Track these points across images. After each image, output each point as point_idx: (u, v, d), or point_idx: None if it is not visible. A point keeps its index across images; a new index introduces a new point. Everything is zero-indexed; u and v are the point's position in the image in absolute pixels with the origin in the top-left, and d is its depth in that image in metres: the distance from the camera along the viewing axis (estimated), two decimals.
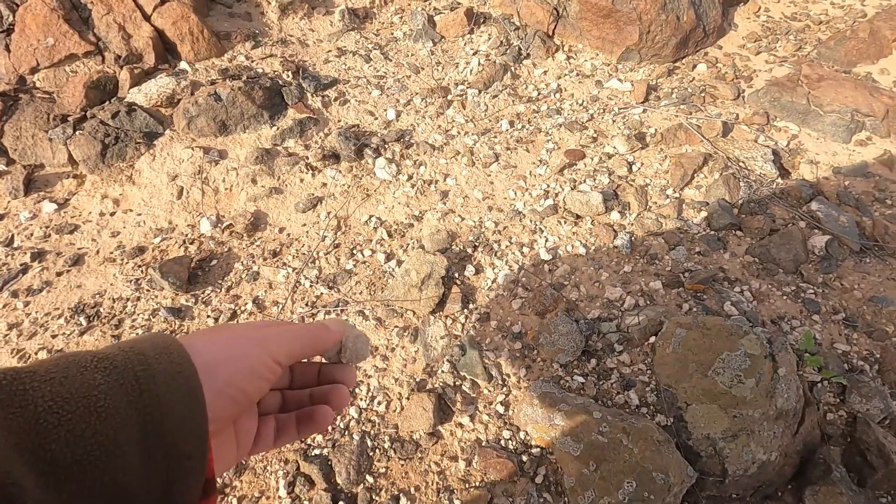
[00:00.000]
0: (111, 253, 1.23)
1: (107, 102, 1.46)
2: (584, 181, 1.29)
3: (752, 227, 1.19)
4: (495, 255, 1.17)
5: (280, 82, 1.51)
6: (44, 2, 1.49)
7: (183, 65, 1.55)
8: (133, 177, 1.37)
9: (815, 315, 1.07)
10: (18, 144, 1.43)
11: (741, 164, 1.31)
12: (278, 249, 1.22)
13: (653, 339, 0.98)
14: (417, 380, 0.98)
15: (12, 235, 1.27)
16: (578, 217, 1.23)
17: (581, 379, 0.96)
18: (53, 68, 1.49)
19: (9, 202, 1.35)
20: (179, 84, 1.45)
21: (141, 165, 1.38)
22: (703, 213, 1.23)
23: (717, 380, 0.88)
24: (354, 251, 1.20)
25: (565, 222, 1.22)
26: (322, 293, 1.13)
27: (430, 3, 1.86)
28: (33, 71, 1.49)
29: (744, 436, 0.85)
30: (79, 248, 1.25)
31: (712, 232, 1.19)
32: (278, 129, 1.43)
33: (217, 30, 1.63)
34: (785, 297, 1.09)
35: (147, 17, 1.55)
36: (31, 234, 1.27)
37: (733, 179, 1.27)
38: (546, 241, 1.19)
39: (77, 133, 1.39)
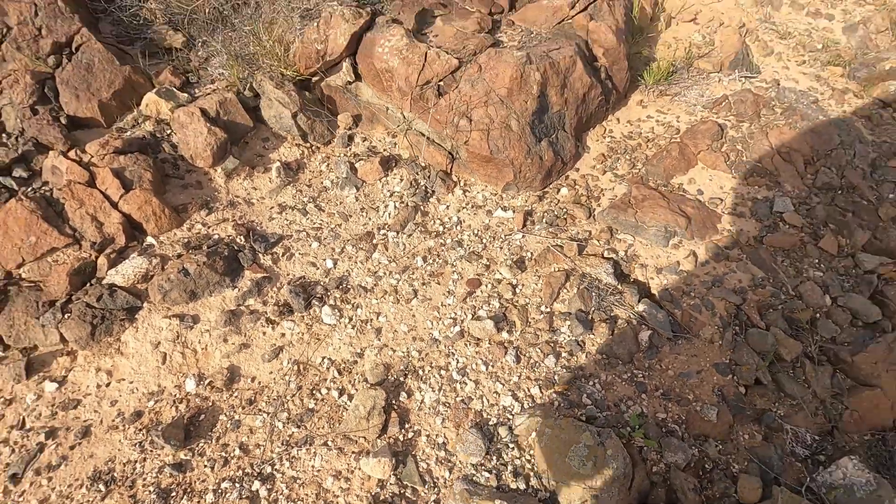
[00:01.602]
0: (113, 421, 1.52)
1: (89, 285, 1.75)
2: (482, 307, 1.73)
3: (599, 331, 1.67)
4: (421, 379, 1.58)
5: (235, 247, 1.86)
6: (23, 205, 1.77)
7: (149, 239, 1.87)
8: (121, 348, 1.67)
9: (643, 394, 1.54)
10: (12, 332, 1.69)
11: (592, 278, 1.80)
12: (253, 398, 1.56)
13: (533, 434, 1.41)
14: (373, 493, 1.35)
15: (23, 418, 1.53)
16: (479, 339, 1.66)
17: (487, 474, 1.37)
18: (37, 262, 1.76)
19: (13, 387, 1.60)
20: (151, 262, 1.77)
21: (126, 338, 1.68)
22: (568, 323, 1.69)
23: (572, 464, 1.32)
24: (314, 391, 1.57)
25: (470, 345, 1.65)
26: (293, 432, 1.48)
27: (350, 150, 2.28)
28: (19, 266, 1.76)
29: (593, 500, 1.29)
30: (84, 421, 1.53)
31: (574, 338, 1.66)
32: (239, 290, 1.77)
33: (174, 203, 1.97)
34: (623, 383, 1.56)
35: (115, 205, 1.86)
36: (40, 415, 1.54)
37: (587, 292, 1.75)
38: (457, 362, 1.61)
39: (66, 317, 1.67)
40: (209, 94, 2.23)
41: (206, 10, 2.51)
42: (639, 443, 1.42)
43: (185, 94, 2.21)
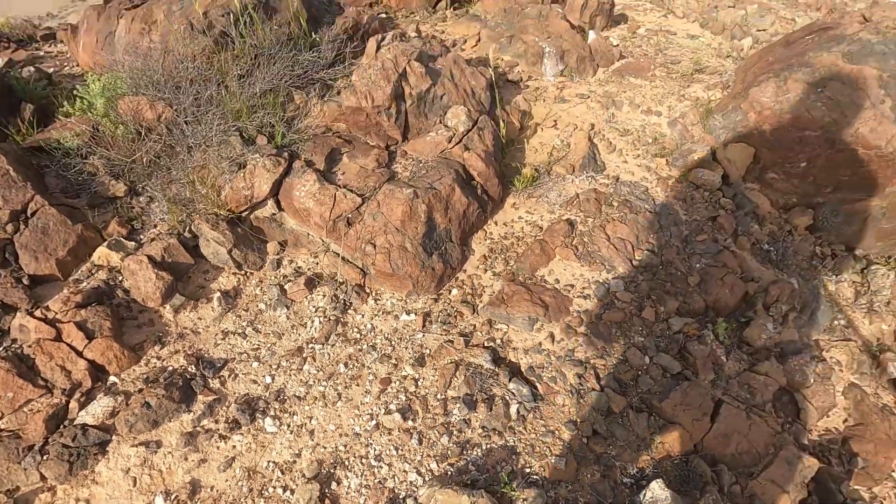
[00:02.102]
0: None
1: (63, 427, 2.09)
2: (392, 402, 2.24)
3: (481, 409, 2.21)
4: (347, 469, 2.04)
5: (188, 375, 2.27)
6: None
7: (112, 378, 2.24)
8: (96, 478, 2.02)
9: (514, 455, 2.08)
10: None
11: (476, 365, 2.35)
12: None
13: (431, 501, 1.90)
14: None
15: None
16: (390, 429, 2.15)
17: None
18: (15, 413, 2.09)
19: None
20: (116, 400, 2.15)
21: (100, 468, 2.03)
22: (458, 405, 2.22)
23: None
24: (263, 491, 1.99)
25: (384, 435, 2.13)
26: None
27: (279, 272, 2.76)
28: None
29: None
30: None
31: (462, 418, 2.19)
32: (194, 413, 2.18)
33: (131, 343, 2.36)
34: (499, 449, 2.10)
35: (80, 354, 2.23)
36: None
37: (472, 378, 2.29)
38: (374, 450, 2.09)
39: (45, 458, 2.01)
40: (154, 239, 2.66)
41: (144, 161, 2.96)
42: (510, 495, 1.94)
43: (133, 243, 2.63)
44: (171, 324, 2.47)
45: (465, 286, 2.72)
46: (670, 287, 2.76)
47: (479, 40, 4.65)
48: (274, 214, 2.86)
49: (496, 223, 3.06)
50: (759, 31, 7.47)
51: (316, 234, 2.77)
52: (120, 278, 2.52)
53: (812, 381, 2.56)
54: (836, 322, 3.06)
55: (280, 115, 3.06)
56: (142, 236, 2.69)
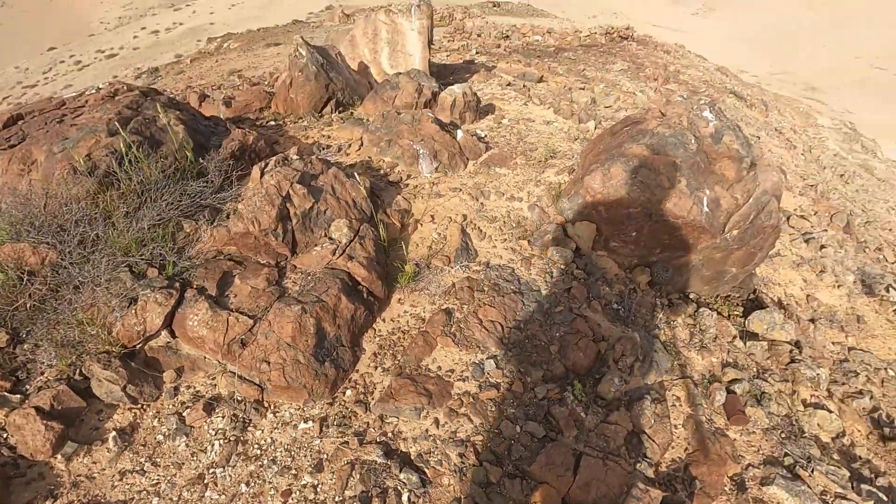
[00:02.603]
0: None
1: None
2: None
3: (363, 500, 2.47)
4: None
5: None
6: None
7: None
8: None
9: None
10: None
11: (370, 461, 2.62)
12: None
13: None
14: None
15: None
16: None
17: None
18: None
19: None
20: None
21: None
22: (358, 502, 2.46)
23: None
24: None
25: None
26: None
27: (177, 399, 2.88)
28: None
29: None
30: None
31: None
32: None
33: (20, 503, 2.35)
34: None
35: None
36: None
37: (366, 475, 2.55)
38: None
39: None
40: (41, 388, 2.69)
41: (28, 306, 3.00)
42: None
43: (18, 396, 2.64)
44: (63, 474, 2.49)
45: (358, 386, 3.01)
46: (535, 358, 3.25)
47: (361, 144, 5.20)
48: (169, 342, 3.01)
49: (384, 320, 3.43)
50: (606, 107, 8.87)
51: (212, 357, 2.95)
52: (5, 435, 2.51)
53: (653, 421, 3.11)
54: (675, 363, 3.71)
55: (170, 245, 3.27)
56: (28, 386, 2.71)
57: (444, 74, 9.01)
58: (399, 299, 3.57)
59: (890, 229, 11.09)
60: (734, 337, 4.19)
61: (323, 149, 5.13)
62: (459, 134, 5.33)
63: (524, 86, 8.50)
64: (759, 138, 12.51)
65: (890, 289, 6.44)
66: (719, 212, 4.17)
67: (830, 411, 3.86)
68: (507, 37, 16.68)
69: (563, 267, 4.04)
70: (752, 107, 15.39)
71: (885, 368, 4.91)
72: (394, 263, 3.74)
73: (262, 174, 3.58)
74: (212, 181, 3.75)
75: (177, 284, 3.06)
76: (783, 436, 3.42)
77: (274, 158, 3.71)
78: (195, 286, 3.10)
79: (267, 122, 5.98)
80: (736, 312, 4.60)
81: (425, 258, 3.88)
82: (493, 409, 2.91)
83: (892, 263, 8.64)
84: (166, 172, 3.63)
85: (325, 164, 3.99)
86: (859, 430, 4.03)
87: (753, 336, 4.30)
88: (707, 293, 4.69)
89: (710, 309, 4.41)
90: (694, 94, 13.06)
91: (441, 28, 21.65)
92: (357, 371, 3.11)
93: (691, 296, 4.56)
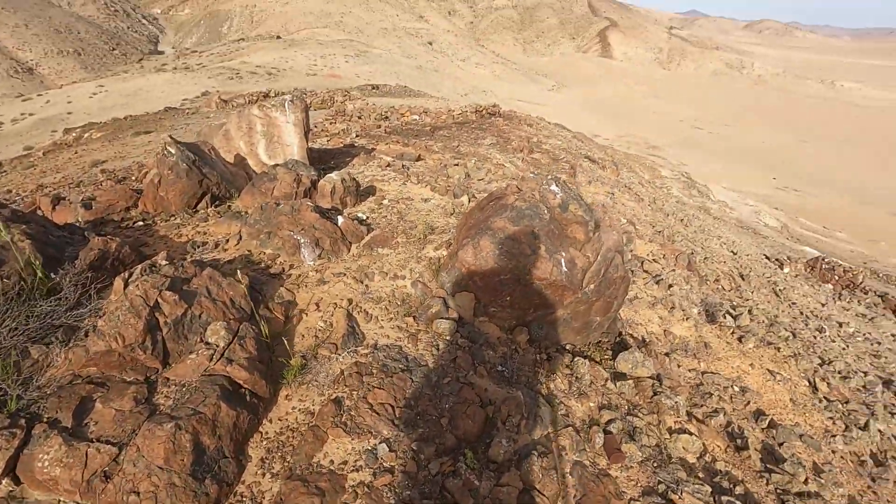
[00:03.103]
0: None
1: None
2: None
3: None
4: None
5: None
6: None
7: None
8: None
9: None
10: None
11: None
12: None
13: None
14: None
15: None
16: None
17: None
18: None
19: None
20: None
21: None
22: None
23: None
24: None
25: None
26: None
27: None
28: None
29: None
30: None
31: None
32: None
33: None
34: None
35: None
36: None
37: None
38: None
39: None
40: None
41: None
42: None
43: None
44: None
45: (244, 499, 2.86)
46: (427, 433, 3.35)
47: (240, 238, 5.16)
48: (12, 491, 2.64)
49: (271, 421, 3.33)
50: (479, 180, 9.73)
51: (69, 499, 2.63)
52: None
53: (541, 475, 3.32)
54: (558, 414, 4.03)
55: (13, 377, 2.94)
56: None
57: (325, 159, 9.34)
58: (286, 396, 3.51)
59: (724, 262, 13.18)
60: (606, 380, 4.67)
61: (198, 246, 5.00)
62: (340, 219, 5.54)
63: (403, 166, 9.09)
64: (612, 195, 14.43)
65: (727, 315, 7.62)
66: (576, 270, 4.77)
67: (692, 434, 4.40)
68: (387, 118, 17.79)
69: (448, 338, 4.28)
70: (604, 168, 17.80)
71: (731, 385, 5.74)
72: (279, 359, 3.69)
73: (126, 285, 3.42)
74: (66, 297, 3.49)
75: (22, 421, 2.74)
76: (655, 465, 3.82)
77: (139, 267, 3.57)
78: (46, 419, 2.79)
79: (134, 222, 5.70)
80: (606, 356, 5.14)
81: (312, 348, 3.89)
82: (388, 496, 2.92)
83: (729, 291, 10.24)
84: (8, 294, 3.32)
85: (199, 265, 3.92)
86: (718, 446, 4.62)
87: (622, 376, 4.83)
88: (580, 342, 5.21)
89: (584, 357, 4.89)
90: (555, 161, 14.85)
91: (322, 111, 22.46)
92: (243, 482, 2.96)
93: (567, 347, 5.03)
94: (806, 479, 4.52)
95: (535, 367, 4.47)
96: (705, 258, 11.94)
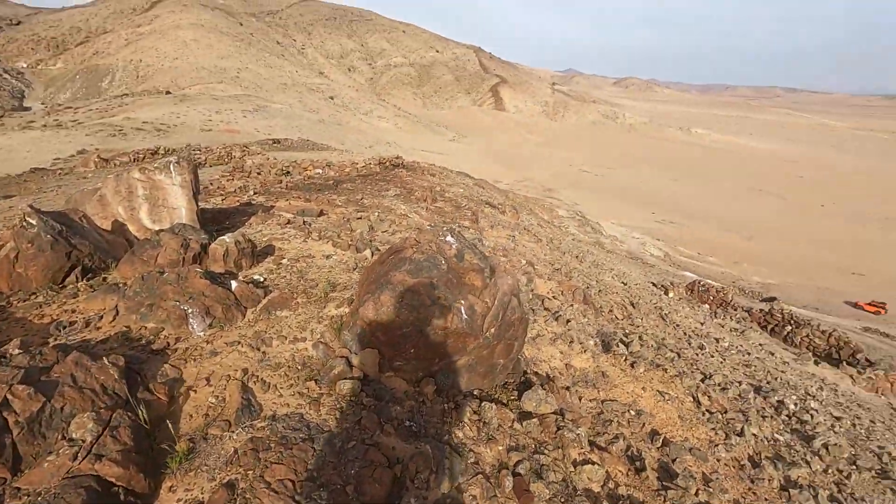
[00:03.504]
0: None
1: None
2: None
3: None
4: None
5: None
6: None
7: None
8: None
9: None
10: None
11: None
12: None
13: None
14: None
15: None
16: None
17: None
18: None
19: None
20: None
21: None
22: None
23: None
24: None
25: None
26: None
27: None
28: None
29: None
30: None
31: None
32: None
33: None
34: None
35: None
36: None
37: None
38: None
39: None
40: None
41: None
42: None
43: None
44: None
45: None
46: (330, 499, 3.19)
47: (117, 313, 4.71)
48: None
49: None
50: (383, 232, 9.84)
51: None
52: None
53: None
54: (468, 462, 4.04)
55: None
56: None
57: (219, 220, 8.93)
58: (171, 487, 3.17)
59: (616, 292, 14.36)
60: (513, 420, 4.80)
61: (64, 327, 4.47)
62: (234, 284, 5.29)
63: (304, 222, 8.96)
64: (514, 237, 15.29)
65: (620, 343, 8.26)
66: (476, 316, 4.95)
67: (595, 463, 4.63)
68: (288, 172, 17.54)
69: (352, 398, 4.17)
70: (504, 212, 18.89)
71: (628, 410, 6.17)
72: (162, 446, 3.36)
73: None
74: None
75: None
76: (562, 500, 3.95)
77: None
78: None
79: None
80: (513, 397, 5.31)
81: (201, 429, 3.59)
82: None
83: (621, 320, 11.12)
84: None
85: (63, 350, 3.51)
86: (620, 470, 4.89)
87: (528, 415, 5.00)
88: (487, 386, 5.34)
89: (491, 400, 5.01)
90: (458, 208, 15.50)
91: (219, 167, 21.58)
92: None
93: (475, 392, 5.12)
94: (697, 491, 4.92)
95: (443, 418, 4.48)
96: (599, 290, 12.95)
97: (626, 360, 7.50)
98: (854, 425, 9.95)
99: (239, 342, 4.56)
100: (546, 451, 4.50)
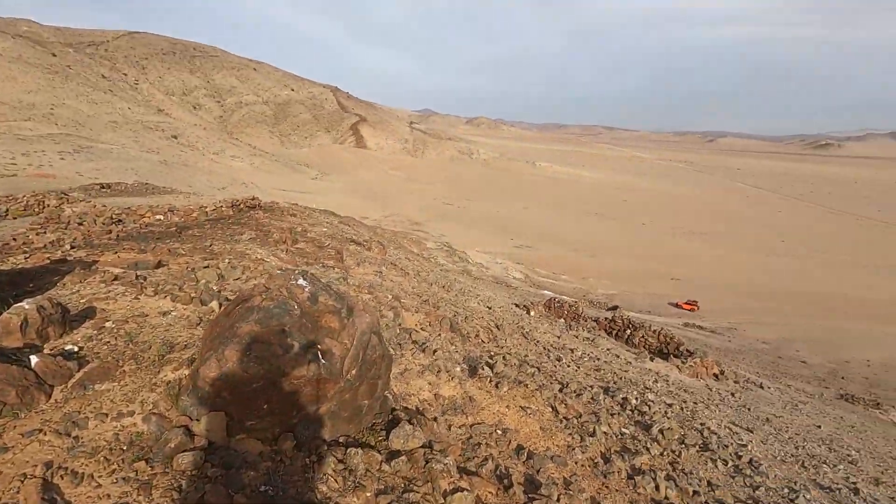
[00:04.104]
0: None
1: None
2: None
3: None
4: None
5: None
6: None
7: None
8: None
9: None
10: None
11: None
12: None
13: None
14: None
15: None
16: None
17: None
18: None
19: None
20: None
21: None
22: None
23: None
24: None
25: None
26: None
27: None
28: None
29: None
30: None
31: None
32: None
33: None
34: None
35: None
36: None
37: None
38: None
39: None
40: None
41: None
42: None
43: None
44: None
45: None
46: None
47: None
48: None
49: None
50: (235, 279, 9.09)
51: None
52: None
53: None
54: None
55: None
56: None
57: (20, 284, 7.42)
58: None
59: (482, 317, 15.10)
60: (381, 462, 4.67)
61: None
62: (35, 360, 4.40)
63: (137, 276, 7.88)
64: (381, 273, 15.31)
65: (486, 366, 8.63)
66: (335, 360, 4.78)
67: (464, 489, 4.70)
68: (120, 221, 15.45)
69: (193, 473, 3.69)
70: (370, 248, 18.87)
71: (495, 430, 6.43)
72: None
73: None
74: None
75: None
76: None
77: None
78: None
79: None
80: (381, 438, 5.18)
81: None
82: None
83: (487, 343, 11.68)
84: None
85: None
86: (490, 492, 5.03)
87: (396, 454, 4.92)
88: (354, 431, 5.14)
89: (358, 445, 4.83)
90: (321, 248, 15.07)
91: (27, 218, 18.19)
92: None
93: (341, 440, 4.90)
94: (559, 497, 5.27)
95: (304, 474, 4.19)
96: (466, 317, 13.51)
97: (490, 381, 7.85)
98: (682, 409, 11.66)
99: (41, 430, 3.77)
100: (416, 488, 4.45)
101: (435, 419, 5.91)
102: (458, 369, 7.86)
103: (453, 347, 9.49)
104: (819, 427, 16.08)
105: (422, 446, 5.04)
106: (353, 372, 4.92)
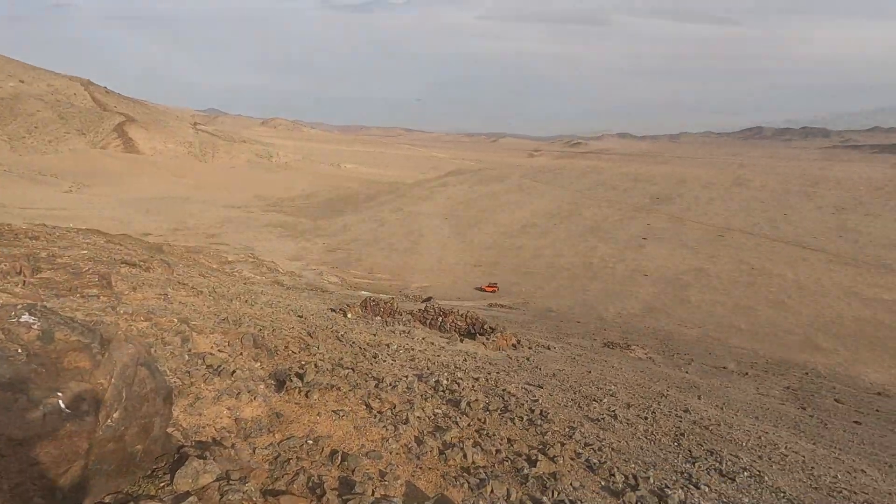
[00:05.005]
0: None
1: None
2: None
3: None
4: None
5: None
6: None
7: None
8: None
9: None
10: None
11: None
12: None
13: None
14: None
15: None
16: None
17: None
18: None
19: None
20: None
21: None
22: None
23: None
24: None
25: None
26: None
27: None
28: None
29: None
30: None
31: None
32: None
33: None
34: None
35: None
36: None
37: None
38: None
39: None
40: None
41: None
42: None
43: None
44: None
45: None
46: None
47: None
48: None
49: None
50: None
51: None
52: None
53: None
54: None
55: None
56: None
57: None
58: None
59: (292, 327, 14.33)
60: None
61: None
62: None
63: None
64: (166, 295, 13.28)
65: (295, 377, 8.20)
66: (85, 405, 3.94)
67: None
68: None
69: None
70: (150, 269, 16.20)
71: (306, 441, 6.16)
72: None
73: None
74: None
75: None
76: None
77: None
78: None
79: None
80: (164, 482, 4.48)
81: None
82: None
83: (298, 353, 11.12)
84: None
85: None
86: None
87: (185, 496, 4.30)
88: (128, 484, 4.34)
89: (134, 499, 4.09)
90: (77, 275, 12.33)
91: None
92: None
93: (107, 500, 4.07)
94: (374, 490, 5.33)
95: None
96: (273, 330, 12.64)
97: (300, 392, 7.50)
98: (487, 380, 12.95)
99: None
100: None
101: (233, 446, 5.37)
102: (262, 386, 7.29)
103: (257, 364, 8.77)
104: (590, 372, 19.72)
105: (216, 479, 4.51)
106: (116, 415, 4.14)
